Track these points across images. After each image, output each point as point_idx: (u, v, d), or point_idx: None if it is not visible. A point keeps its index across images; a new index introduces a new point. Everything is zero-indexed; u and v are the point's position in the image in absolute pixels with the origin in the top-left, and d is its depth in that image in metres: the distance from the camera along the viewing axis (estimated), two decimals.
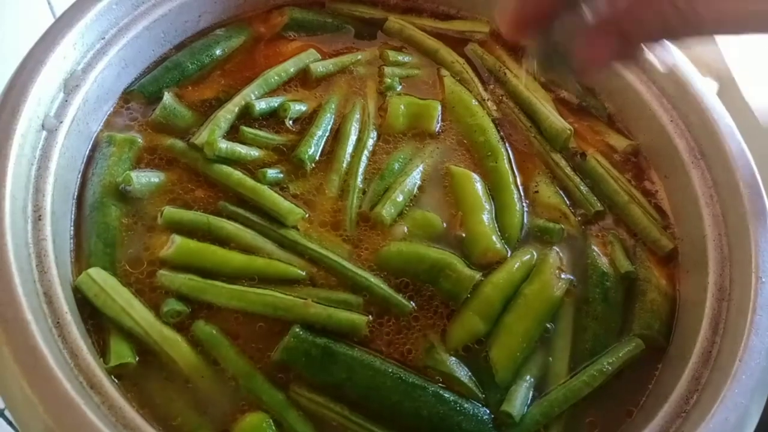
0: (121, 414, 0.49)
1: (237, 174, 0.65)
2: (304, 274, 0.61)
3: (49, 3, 0.95)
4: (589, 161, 0.72)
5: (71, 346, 0.50)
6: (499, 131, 0.73)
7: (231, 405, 0.54)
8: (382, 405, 0.55)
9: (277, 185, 0.66)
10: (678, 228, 0.69)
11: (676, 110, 0.71)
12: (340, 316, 0.58)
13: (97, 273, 0.57)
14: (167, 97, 0.69)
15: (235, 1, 0.79)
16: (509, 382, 0.58)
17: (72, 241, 0.60)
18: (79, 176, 0.64)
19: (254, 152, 0.67)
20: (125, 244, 0.60)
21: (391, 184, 0.67)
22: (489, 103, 0.76)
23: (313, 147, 0.68)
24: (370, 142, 0.70)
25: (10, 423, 0.47)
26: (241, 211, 0.63)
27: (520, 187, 0.70)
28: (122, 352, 0.54)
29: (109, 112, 0.69)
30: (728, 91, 0.98)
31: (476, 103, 0.75)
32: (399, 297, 0.60)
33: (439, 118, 0.74)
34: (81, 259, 0.59)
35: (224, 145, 0.65)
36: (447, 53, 0.80)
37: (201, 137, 0.66)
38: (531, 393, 0.58)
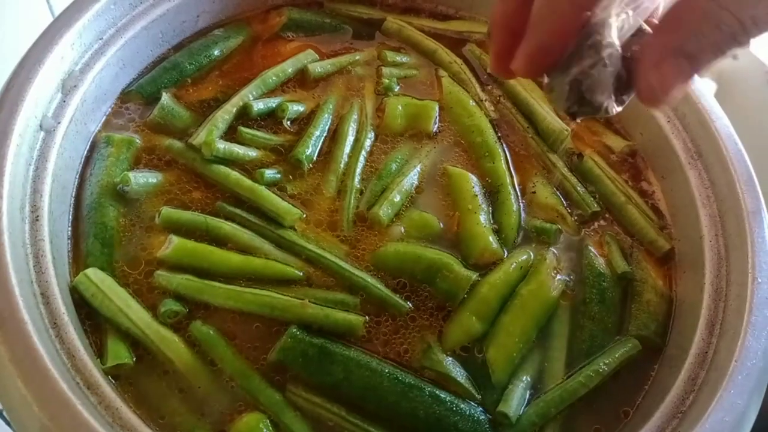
0: (117, 414, 0.49)
1: (235, 174, 0.65)
2: (301, 274, 0.61)
3: (48, 3, 0.95)
4: (586, 162, 0.72)
5: (68, 346, 0.50)
6: (496, 132, 0.73)
7: (228, 405, 0.54)
8: (378, 405, 0.55)
9: (275, 185, 0.66)
10: (675, 229, 0.70)
11: (673, 111, 0.72)
12: (337, 317, 0.58)
13: (94, 273, 0.57)
14: (165, 98, 0.69)
15: (233, 2, 0.79)
16: (506, 383, 0.58)
17: (69, 241, 0.60)
18: (77, 177, 0.64)
19: (252, 153, 0.67)
20: (123, 245, 0.61)
21: (388, 185, 0.67)
22: (486, 104, 0.76)
23: (311, 147, 0.68)
24: (368, 143, 0.70)
25: (9, 423, 0.47)
26: (238, 211, 0.63)
27: (517, 188, 0.70)
28: (119, 353, 0.54)
29: (107, 113, 0.69)
30: (726, 91, 0.98)
31: (474, 103, 0.75)
32: (396, 297, 0.60)
33: (437, 119, 0.74)
34: (78, 260, 0.59)
35: (222, 145, 0.65)
36: (445, 54, 0.80)
37: (199, 138, 0.66)
38: (527, 393, 0.58)
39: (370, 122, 0.72)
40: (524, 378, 0.58)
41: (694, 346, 0.58)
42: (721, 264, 0.62)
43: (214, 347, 0.56)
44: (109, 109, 0.69)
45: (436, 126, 0.73)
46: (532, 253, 0.65)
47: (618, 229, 0.69)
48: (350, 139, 0.70)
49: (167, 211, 0.62)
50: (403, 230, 0.65)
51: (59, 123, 0.62)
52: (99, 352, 0.54)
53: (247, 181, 0.64)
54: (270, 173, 0.66)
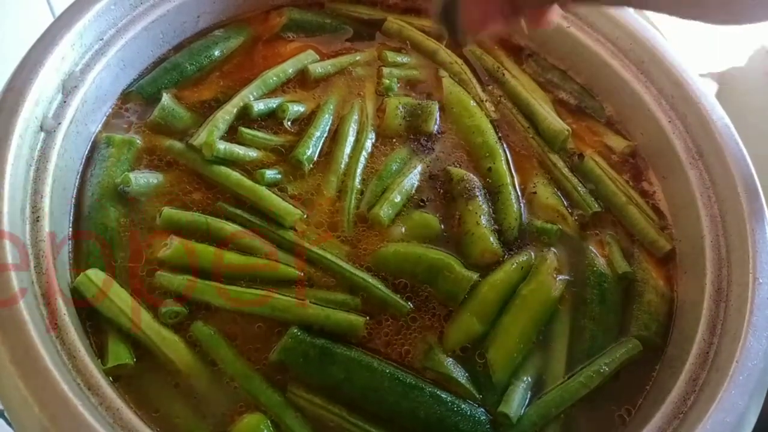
0: (118, 415, 0.49)
1: (235, 175, 0.65)
2: (302, 274, 0.61)
3: (48, 3, 0.95)
4: (587, 162, 0.72)
5: (69, 347, 0.50)
6: (497, 132, 0.73)
7: (229, 406, 0.54)
8: (379, 406, 0.55)
9: (276, 186, 0.66)
10: (676, 229, 0.70)
11: (674, 111, 0.72)
12: (338, 317, 0.58)
13: (95, 274, 0.57)
14: (166, 98, 0.69)
15: (233, 2, 0.79)
16: (506, 383, 0.58)
17: (70, 242, 0.60)
18: (78, 177, 0.64)
19: (252, 153, 0.67)
20: (124, 245, 0.61)
21: (388, 185, 0.67)
22: (487, 104, 0.76)
23: (312, 148, 0.68)
24: (368, 143, 0.70)
25: (9, 424, 0.47)
26: (239, 212, 0.63)
27: (518, 188, 0.70)
28: (120, 353, 0.54)
29: (107, 114, 0.69)
30: (727, 91, 0.98)
31: (474, 104, 0.75)
32: (396, 298, 0.60)
33: (437, 119, 0.74)
34: (79, 260, 0.59)
35: (223, 146, 0.65)
36: (446, 54, 0.80)
37: (199, 138, 0.66)
38: (528, 394, 0.58)
39: (370, 123, 0.72)
40: (525, 378, 0.58)
41: (695, 346, 0.58)
42: (722, 264, 0.62)
43: (215, 348, 0.56)
44: (110, 110, 0.69)
45: (436, 126, 0.73)
46: (532, 254, 0.65)
47: (619, 229, 0.69)
48: (351, 139, 0.70)
49: (168, 212, 0.62)
50: (403, 230, 0.65)
51: (60, 124, 0.62)
52: (100, 352, 0.54)
53: (248, 182, 0.64)
54: (270, 174, 0.66)
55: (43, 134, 0.60)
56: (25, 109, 0.57)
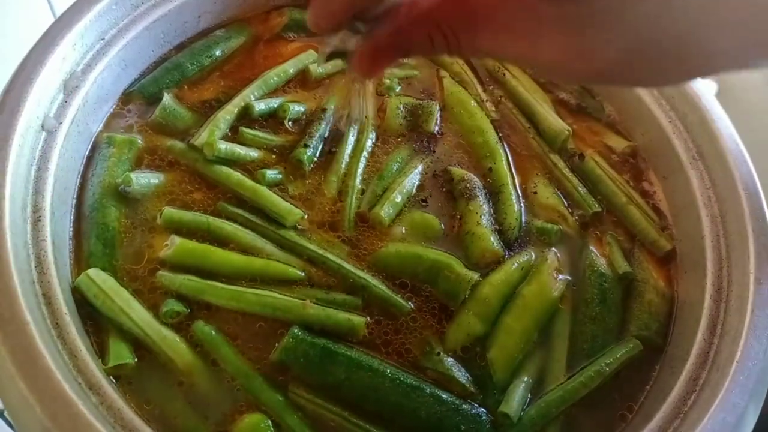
0: (119, 415, 0.49)
1: (236, 175, 0.65)
2: (302, 274, 0.61)
3: (49, 3, 0.95)
4: (588, 162, 0.72)
5: (70, 346, 0.50)
6: (497, 132, 0.73)
7: (230, 406, 0.54)
8: (380, 406, 0.55)
9: (276, 186, 0.66)
10: (676, 229, 0.70)
11: (674, 111, 0.72)
12: (339, 317, 0.58)
13: (96, 274, 0.57)
14: (167, 98, 0.69)
15: (234, 2, 0.79)
16: (507, 383, 0.58)
17: (71, 242, 0.60)
18: (79, 177, 0.64)
19: (253, 153, 0.67)
20: (125, 245, 0.61)
21: (389, 185, 0.67)
22: (488, 104, 0.76)
23: (312, 148, 0.68)
24: (369, 143, 0.70)
25: (10, 424, 0.47)
26: (240, 211, 0.63)
27: (519, 188, 0.70)
28: (121, 353, 0.54)
29: (108, 113, 0.69)
30: (727, 91, 0.98)
31: (475, 104, 0.75)
32: (397, 297, 0.60)
33: (438, 119, 0.74)
34: (80, 260, 0.59)
35: (224, 146, 0.65)
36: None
37: (200, 138, 0.66)
38: (529, 394, 0.58)
39: (371, 123, 0.72)
40: (525, 378, 0.58)
41: (696, 346, 0.58)
42: (722, 264, 0.62)
43: (215, 347, 0.56)
44: (111, 110, 0.69)
45: (437, 126, 0.73)
46: (533, 254, 0.65)
47: (619, 229, 0.69)
48: (351, 139, 0.70)
49: (169, 212, 0.62)
50: (404, 230, 0.65)
51: (61, 123, 0.62)
52: (101, 352, 0.54)
53: (249, 182, 0.64)
54: (271, 174, 0.66)
55: (44, 134, 0.60)
56: (27, 109, 0.57)
